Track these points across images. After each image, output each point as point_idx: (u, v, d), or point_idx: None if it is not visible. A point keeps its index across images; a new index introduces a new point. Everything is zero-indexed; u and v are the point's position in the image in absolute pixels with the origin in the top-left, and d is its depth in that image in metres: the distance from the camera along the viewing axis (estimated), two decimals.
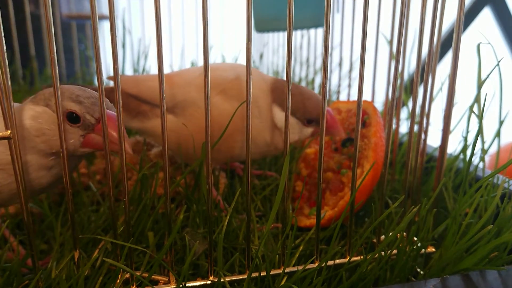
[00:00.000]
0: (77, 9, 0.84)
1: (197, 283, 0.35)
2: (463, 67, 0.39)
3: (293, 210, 0.46)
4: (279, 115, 0.45)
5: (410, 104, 0.63)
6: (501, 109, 0.47)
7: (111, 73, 0.80)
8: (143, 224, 0.40)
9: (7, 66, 0.28)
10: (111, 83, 0.79)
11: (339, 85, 0.69)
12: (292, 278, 0.35)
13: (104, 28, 0.88)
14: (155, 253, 0.38)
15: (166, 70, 0.55)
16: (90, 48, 0.91)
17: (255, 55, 0.92)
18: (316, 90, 0.80)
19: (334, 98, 0.73)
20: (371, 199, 0.47)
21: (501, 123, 0.47)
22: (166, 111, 0.45)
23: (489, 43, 0.42)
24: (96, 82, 0.84)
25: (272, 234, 0.42)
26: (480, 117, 0.43)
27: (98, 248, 0.39)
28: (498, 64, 0.42)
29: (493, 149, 0.50)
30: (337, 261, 0.37)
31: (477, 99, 0.45)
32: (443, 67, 0.48)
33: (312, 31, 0.76)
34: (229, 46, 0.90)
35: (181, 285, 0.34)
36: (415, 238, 0.38)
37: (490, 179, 0.40)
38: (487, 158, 0.49)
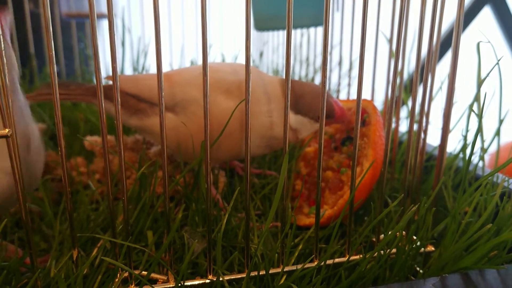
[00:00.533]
0: (77, 8, 0.84)
1: (196, 282, 0.35)
2: (462, 66, 0.39)
3: (292, 209, 0.46)
4: (293, 118, 0.45)
5: (409, 103, 0.63)
6: (500, 108, 0.47)
7: (110, 72, 0.80)
8: (142, 223, 0.40)
9: (5, 64, 0.28)
10: (110, 82, 0.79)
11: (338, 84, 0.69)
12: (291, 277, 0.35)
13: (103, 26, 0.88)
14: (154, 252, 0.38)
15: (166, 69, 0.54)
16: (90, 47, 0.91)
17: (254, 54, 0.92)
18: None
19: (334, 97, 0.73)
20: (371, 198, 0.47)
21: (500, 122, 0.47)
22: (166, 109, 0.45)
23: (489, 41, 0.42)
24: (95, 81, 0.84)
25: (271, 233, 0.42)
26: (480, 116, 0.43)
27: (97, 247, 0.39)
28: (498, 63, 0.42)
29: (492, 148, 0.50)
30: (336, 260, 0.37)
31: (476, 98, 0.45)
32: (443, 66, 0.48)
33: (311, 29, 0.76)
34: (229, 45, 0.90)
35: (180, 284, 0.34)
36: (415, 237, 0.38)
37: (489, 178, 0.40)
38: (486, 157, 0.49)
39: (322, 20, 0.62)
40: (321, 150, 0.35)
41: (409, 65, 0.59)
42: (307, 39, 0.76)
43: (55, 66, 0.27)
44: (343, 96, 0.71)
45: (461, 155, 0.52)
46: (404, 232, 0.38)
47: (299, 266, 0.35)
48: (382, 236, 0.40)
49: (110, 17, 0.27)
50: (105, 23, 0.79)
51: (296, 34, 0.80)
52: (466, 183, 0.43)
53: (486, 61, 0.44)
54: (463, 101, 0.49)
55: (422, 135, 0.41)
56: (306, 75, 0.81)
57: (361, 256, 0.37)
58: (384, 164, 0.38)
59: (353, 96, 0.66)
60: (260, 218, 0.46)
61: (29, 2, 0.81)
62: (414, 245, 0.37)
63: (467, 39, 0.45)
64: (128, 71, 0.85)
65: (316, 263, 0.36)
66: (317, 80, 0.80)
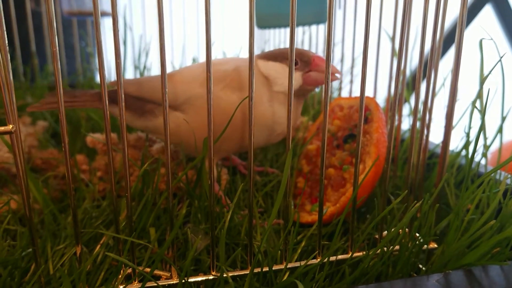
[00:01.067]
0: (78, 6, 0.84)
1: (199, 278, 0.35)
2: (464, 64, 0.39)
3: (294, 207, 0.46)
4: (263, 65, 0.46)
5: (411, 100, 0.63)
6: (503, 105, 0.47)
7: (112, 69, 0.80)
8: (145, 219, 0.40)
9: (9, 61, 0.28)
10: (113, 76, 0.79)
11: (340, 82, 0.69)
12: (294, 274, 0.35)
13: (105, 25, 0.88)
14: (157, 249, 0.38)
15: (167, 66, 0.55)
16: (91, 45, 0.91)
17: (256, 52, 0.92)
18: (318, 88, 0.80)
19: (335, 94, 0.73)
20: (373, 195, 0.47)
21: (503, 119, 0.47)
22: (173, 108, 0.45)
23: (491, 39, 0.42)
24: (97, 78, 0.84)
25: (274, 230, 0.42)
26: (483, 113, 0.43)
27: (100, 244, 0.39)
28: (500, 60, 0.42)
29: (495, 146, 0.49)
30: (339, 256, 0.37)
31: (479, 95, 0.45)
32: (445, 64, 0.48)
33: (313, 27, 0.76)
34: (230, 43, 0.89)
35: (183, 280, 0.34)
36: (417, 234, 0.38)
37: (492, 175, 0.40)
38: (488, 155, 0.49)
39: (324, 18, 0.62)
40: (324, 148, 0.35)
41: (411, 63, 0.59)
42: (308, 37, 0.76)
43: (59, 62, 0.27)
44: (345, 93, 0.71)
45: (463, 152, 0.52)
46: (407, 229, 0.38)
47: (302, 263, 0.35)
48: (385, 233, 0.40)
49: (114, 13, 0.27)
50: (106, 21, 0.79)
51: (298, 31, 0.80)
52: (469, 180, 0.43)
53: (488, 59, 0.44)
54: (466, 98, 0.49)
55: (425, 132, 0.41)
56: None
57: (364, 253, 0.37)
58: (387, 161, 0.38)
59: (355, 93, 0.66)
60: (262, 215, 0.46)
61: (30, 1, 0.82)
62: (417, 242, 0.37)
63: (469, 37, 0.45)
64: (130, 69, 0.85)
65: (319, 259, 0.36)
66: None
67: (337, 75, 0.45)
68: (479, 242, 0.36)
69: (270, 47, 0.91)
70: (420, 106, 0.40)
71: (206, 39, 0.30)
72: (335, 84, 0.73)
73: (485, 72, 0.44)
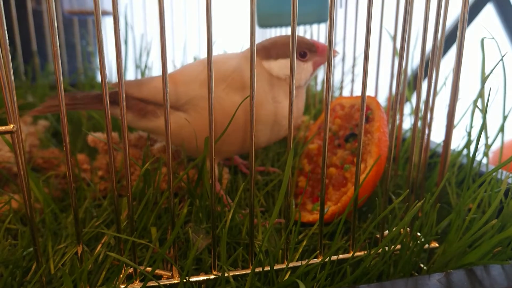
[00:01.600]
0: (79, 5, 0.84)
1: (200, 278, 0.35)
2: (466, 63, 0.39)
3: (296, 206, 0.46)
4: (272, 64, 0.45)
5: (413, 99, 0.63)
6: (504, 104, 0.46)
7: (113, 69, 0.80)
8: (146, 219, 0.40)
9: (10, 60, 0.28)
10: (113, 80, 0.79)
11: (342, 81, 0.69)
12: (296, 273, 0.35)
13: (106, 24, 0.88)
14: (158, 248, 0.38)
15: (169, 65, 0.54)
16: (92, 44, 0.91)
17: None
18: (319, 86, 0.80)
19: (336, 94, 0.73)
20: (374, 195, 0.47)
21: (504, 118, 0.47)
22: (175, 109, 0.45)
23: (493, 38, 0.42)
24: (99, 78, 0.84)
25: (275, 230, 0.42)
26: (484, 112, 0.43)
27: (101, 243, 0.39)
28: (502, 59, 0.42)
29: (496, 145, 0.49)
30: (341, 256, 0.37)
31: (480, 94, 0.44)
32: (446, 63, 0.48)
33: (315, 26, 0.76)
34: (232, 42, 0.89)
35: (184, 280, 0.34)
36: (419, 234, 0.38)
37: (493, 174, 0.40)
38: (490, 154, 0.49)
39: (325, 17, 0.62)
40: (325, 147, 0.35)
41: (413, 62, 0.59)
42: (310, 36, 0.76)
43: (59, 61, 0.27)
44: (346, 93, 0.71)
45: (465, 152, 0.52)
46: (408, 228, 0.38)
47: (304, 262, 0.35)
48: (386, 232, 0.40)
49: (115, 12, 0.27)
50: (107, 20, 0.79)
51: (299, 31, 0.80)
52: (470, 179, 0.43)
53: (489, 58, 0.44)
54: (467, 97, 0.49)
55: (426, 131, 0.41)
56: None
57: (365, 252, 0.37)
58: (388, 160, 0.38)
59: (356, 92, 0.65)
60: (264, 214, 0.46)
61: (31, 0, 0.82)
62: (418, 242, 0.37)
63: (470, 36, 0.45)
64: (131, 68, 0.85)
65: (320, 259, 0.36)
66: (320, 77, 0.80)
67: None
68: (481, 241, 0.36)
69: None
70: (422, 105, 0.40)
71: (207, 38, 0.30)
72: (336, 83, 0.73)
73: (487, 71, 0.43)
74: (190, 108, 0.45)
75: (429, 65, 0.38)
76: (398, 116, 0.52)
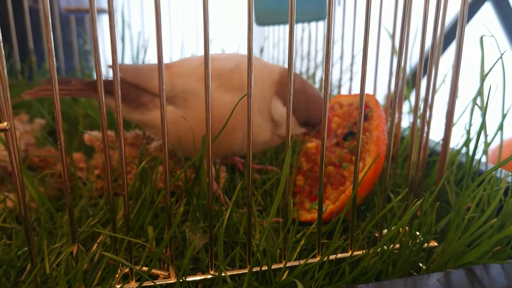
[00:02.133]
0: (76, 3, 0.84)
1: (197, 278, 0.35)
2: (465, 61, 0.39)
3: (294, 205, 0.46)
4: (278, 109, 0.45)
5: (412, 97, 0.62)
6: (504, 102, 0.46)
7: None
8: (143, 218, 0.39)
9: (4, 57, 0.27)
10: (111, 73, 0.78)
11: (340, 79, 0.68)
12: (294, 273, 0.34)
13: (103, 22, 0.87)
14: (154, 247, 0.38)
15: (166, 63, 0.54)
16: (89, 42, 0.91)
17: (255, 49, 0.91)
18: (317, 85, 0.79)
19: (335, 92, 0.73)
20: (373, 193, 0.47)
21: (504, 116, 0.46)
22: (167, 102, 0.45)
23: (492, 35, 0.42)
24: (95, 75, 0.84)
25: (273, 229, 0.42)
26: (484, 110, 0.43)
27: (97, 242, 0.39)
28: (501, 57, 0.41)
29: (495, 144, 0.49)
30: (339, 255, 0.37)
31: (480, 92, 0.44)
32: (444, 61, 0.48)
33: (313, 24, 0.75)
34: (229, 40, 0.89)
35: (181, 280, 0.33)
36: (418, 233, 0.38)
37: (493, 172, 0.40)
38: (489, 152, 0.49)
39: (323, 15, 0.62)
40: (323, 145, 0.34)
41: (411, 60, 0.59)
42: (308, 34, 0.76)
43: (54, 58, 0.27)
44: (344, 91, 0.71)
45: (463, 150, 0.51)
46: (407, 227, 0.38)
47: (302, 262, 0.35)
48: (385, 231, 0.39)
49: (110, 7, 0.26)
50: (104, 18, 0.79)
51: (297, 28, 0.80)
52: (470, 178, 0.42)
53: (487, 56, 0.44)
54: (466, 95, 0.49)
55: (426, 129, 0.41)
56: (307, 70, 0.80)
57: (364, 251, 0.37)
58: (387, 159, 0.38)
59: (355, 90, 0.65)
60: (261, 213, 0.46)
61: None
62: (417, 241, 0.37)
63: (468, 34, 0.45)
64: None
65: (318, 258, 0.36)
66: (318, 75, 0.80)
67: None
68: (480, 240, 0.36)
69: (269, 44, 0.91)
70: (421, 104, 0.40)
71: (204, 36, 0.29)
72: (334, 81, 0.72)
73: (486, 69, 0.43)
74: (180, 103, 0.45)
75: (428, 63, 0.38)
76: (396, 114, 0.51)
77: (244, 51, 0.46)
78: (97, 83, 0.29)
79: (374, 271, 0.36)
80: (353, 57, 0.66)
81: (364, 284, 0.33)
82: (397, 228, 0.35)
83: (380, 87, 0.60)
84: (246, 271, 0.35)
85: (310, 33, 0.75)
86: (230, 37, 0.86)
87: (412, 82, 0.66)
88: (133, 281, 0.34)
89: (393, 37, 0.55)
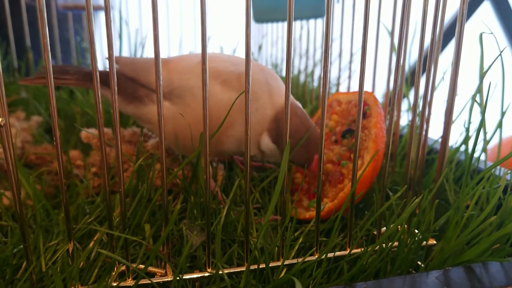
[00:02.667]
0: (73, 0, 0.83)
1: (194, 275, 0.34)
2: (464, 58, 0.39)
3: (292, 202, 0.45)
4: (267, 144, 0.45)
5: (411, 95, 0.62)
6: (503, 100, 0.46)
7: (107, 62, 0.79)
8: (140, 215, 0.39)
9: None
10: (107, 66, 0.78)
11: (338, 77, 0.68)
12: (292, 271, 0.34)
13: (100, 19, 0.87)
14: (151, 245, 0.38)
15: (164, 58, 0.54)
16: (86, 40, 0.90)
17: (253, 47, 0.91)
18: (316, 82, 0.79)
19: (333, 90, 0.72)
20: (371, 191, 0.47)
21: (503, 114, 0.46)
22: (163, 97, 0.44)
23: (492, 33, 0.42)
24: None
25: (271, 226, 0.41)
26: (483, 108, 0.43)
27: (94, 240, 0.38)
28: (500, 54, 0.41)
29: (494, 141, 0.49)
30: (337, 253, 0.37)
31: (479, 90, 0.44)
32: (444, 58, 0.48)
33: (311, 22, 0.75)
34: (228, 38, 0.89)
35: (178, 277, 0.33)
36: (416, 230, 0.38)
37: (492, 170, 0.40)
38: (488, 150, 0.48)
39: (322, 12, 0.61)
40: (322, 143, 0.34)
41: (410, 57, 0.58)
42: (306, 32, 0.75)
43: (49, 53, 0.27)
44: (343, 89, 0.70)
45: (462, 148, 0.51)
46: (405, 225, 0.38)
47: (300, 260, 0.35)
48: (383, 229, 0.39)
49: (106, 2, 0.26)
50: (102, 15, 0.78)
51: (296, 26, 0.79)
52: (469, 176, 0.42)
53: (486, 53, 0.43)
54: (465, 93, 0.49)
55: (425, 126, 0.41)
56: (306, 68, 0.80)
57: (362, 249, 0.36)
58: (386, 156, 0.38)
59: (354, 88, 0.65)
60: (259, 211, 0.46)
61: None
62: (416, 239, 0.37)
63: (468, 31, 0.45)
64: None
65: (316, 256, 0.36)
66: (317, 73, 0.80)
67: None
68: (479, 238, 0.36)
69: (267, 42, 0.90)
70: (420, 101, 0.39)
71: (202, 33, 0.29)
72: (333, 79, 0.72)
73: (485, 67, 0.43)
74: (176, 99, 0.44)
75: (427, 60, 0.37)
76: (395, 112, 0.51)
77: (242, 49, 0.46)
78: (93, 79, 0.29)
79: (373, 269, 0.35)
80: (351, 54, 0.66)
81: (362, 282, 0.32)
82: (396, 226, 0.35)
83: (379, 85, 0.59)
84: (243, 269, 0.35)
85: (308, 31, 0.75)
86: (228, 34, 0.86)
87: (411, 79, 0.65)
88: (130, 279, 0.34)
89: (392, 34, 0.55)
